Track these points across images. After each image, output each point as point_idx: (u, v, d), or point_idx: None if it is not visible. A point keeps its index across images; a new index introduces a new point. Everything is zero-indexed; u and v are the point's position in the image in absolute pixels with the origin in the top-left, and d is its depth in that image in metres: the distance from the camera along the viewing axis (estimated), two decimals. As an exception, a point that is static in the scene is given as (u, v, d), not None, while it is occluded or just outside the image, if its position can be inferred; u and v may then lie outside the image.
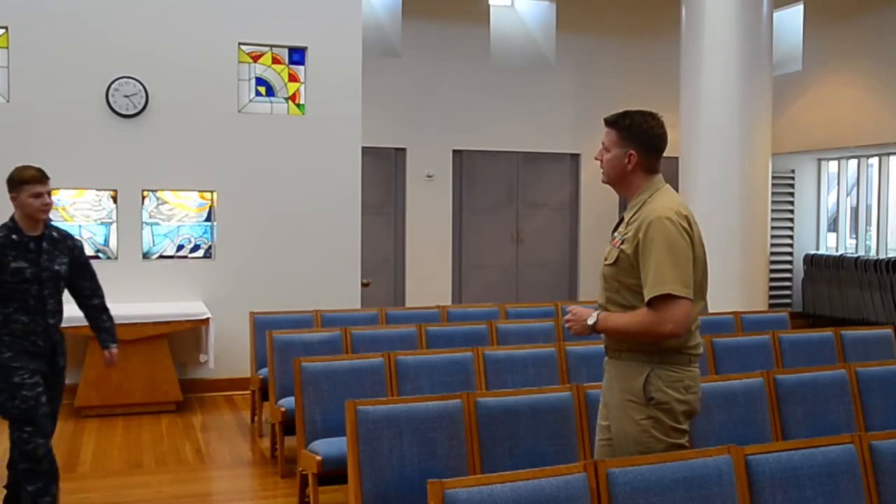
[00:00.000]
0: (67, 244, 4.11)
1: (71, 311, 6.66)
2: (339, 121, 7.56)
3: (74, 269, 4.15)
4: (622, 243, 2.84)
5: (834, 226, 11.74)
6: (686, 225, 2.79)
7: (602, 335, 2.95)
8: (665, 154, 2.96)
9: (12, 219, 3.96)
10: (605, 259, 2.93)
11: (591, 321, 2.84)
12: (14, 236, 3.92)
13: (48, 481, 3.99)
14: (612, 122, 2.93)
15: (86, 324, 6.47)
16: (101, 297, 4.32)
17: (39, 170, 4.00)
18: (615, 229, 2.98)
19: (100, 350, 6.54)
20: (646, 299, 2.73)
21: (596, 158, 3.00)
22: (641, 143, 2.86)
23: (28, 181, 3.91)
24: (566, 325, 2.95)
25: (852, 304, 10.78)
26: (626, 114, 2.92)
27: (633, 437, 2.81)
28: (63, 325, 6.47)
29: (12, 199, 3.93)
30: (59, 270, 4.04)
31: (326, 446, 4.00)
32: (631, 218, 2.87)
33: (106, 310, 4.33)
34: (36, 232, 3.97)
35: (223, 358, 7.09)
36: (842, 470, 2.76)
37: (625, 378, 2.85)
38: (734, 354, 5.13)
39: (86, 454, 5.56)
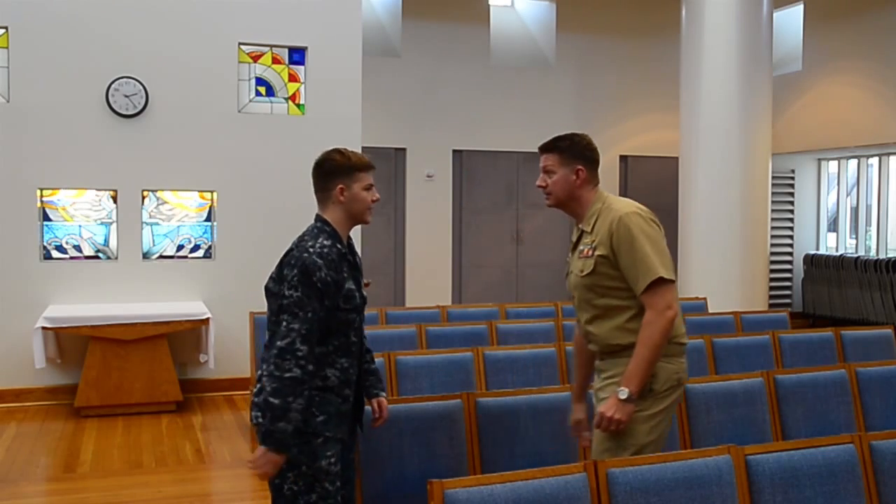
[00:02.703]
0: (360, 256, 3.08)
1: (70, 311, 6.72)
2: (339, 121, 7.56)
3: None
4: (594, 251, 2.90)
5: (834, 226, 11.74)
6: (652, 217, 2.93)
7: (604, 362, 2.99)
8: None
9: (326, 222, 2.88)
10: (581, 272, 2.95)
11: (623, 395, 2.78)
12: (339, 246, 2.84)
13: None
14: (551, 147, 3.02)
15: (86, 324, 6.63)
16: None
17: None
18: (575, 246, 3.04)
19: (100, 349, 6.64)
20: (639, 290, 2.81)
21: (539, 185, 3.06)
22: (585, 157, 2.99)
23: (364, 167, 2.89)
24: (610, 430, 2.82)
25: (852, 304, 10.78)
26: (560, 137, 3.03)
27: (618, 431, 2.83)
28: (62, 325, 6.54)
29: (339, 192, 2.86)
30: (365, 297, 2.98)
31: (326, 446, 3.99)
32: (593, 227, 2.95)
33: (370, 349, 3.14)
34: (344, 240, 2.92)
35: (223, 358, 7.09)
36: (842, 470, 2.76)
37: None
38: (734, 354, 5.13)
39: (86, 454, 5.55)
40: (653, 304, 2.79)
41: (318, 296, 2.71)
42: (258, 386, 2.70)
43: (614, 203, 2.96)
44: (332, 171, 2.88)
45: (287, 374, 2.64)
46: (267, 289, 2.83)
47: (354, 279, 2.88)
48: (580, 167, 2.97)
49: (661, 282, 2.79)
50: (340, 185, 2.85)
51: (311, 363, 2.68)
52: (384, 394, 3.11)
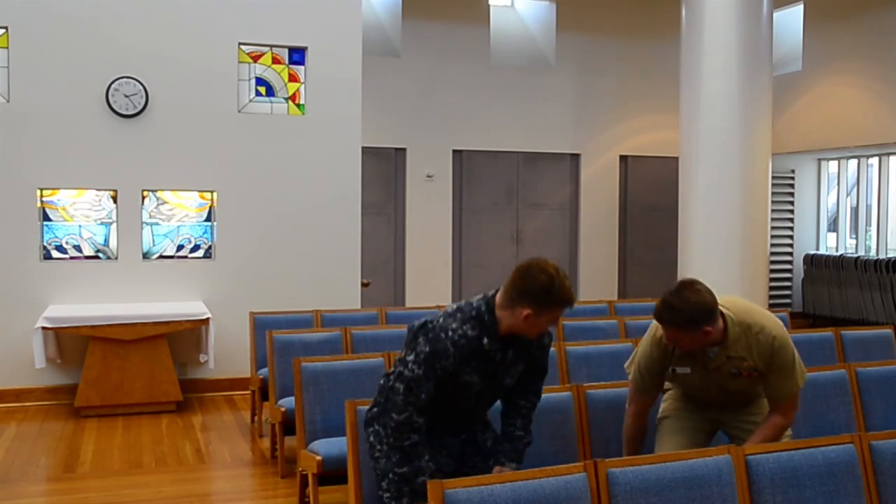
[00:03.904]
0: (532, 345, 3.01)
1: (70, 311, 6.72)
2: (339, 121, 7.56)
3: (528, 367, 3.06)
4: (756, 372, 3.19)
5: (834, 226, 11.74)
6: (785, 328, 3.24)
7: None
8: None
9: (492, 312, 2.87)
10: (751, 387, 3.30)
11: None
12: (486, 340, 2.86)
13: None
14: (672, 324, 3.07)
15: (86, 324, 6.63)
16: (536, 403, 3.14)
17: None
18: (721, 363, 3.18)
19: (100, 349, 6.63)
20: (778, 398, 3.20)
21: (683, 348, 3.20)
22: (705, 319, 3.06)
23: (562, 304, 2.81)
24: None
25: (852, 304, 10.78)
26: (676, 311, 3.03)
27: None
28: (62, 325, 6.54)
29: (524, 316, 2.79)
30: (507, 384, 3.00)
31: (326, 446, 4.00)
32: (744, 348, 3.15)
33: (530, 419, 3.11)
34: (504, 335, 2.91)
35: (223, 358, 7.10)
36: (842, 470, 2.76)
37: None
38: (734, 354, 5.11)
39: (86, 454, 5.55)
40: (787, 413, 3.21)
41: (436, 380, 2.85)
42: (374, 429, 2.98)
43: (756, 323, 3.16)
44: (531, 293, 2.78)
45: (407, 443, 2.84)
46: (409, 329, 2.96)
47: (485, 374, 2.90)
48: (708, 328, 3.07)
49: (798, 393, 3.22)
50: (528, 312, 2.80)
51: (426, 425, 2.88)
52: (511, 466, 3.00)
